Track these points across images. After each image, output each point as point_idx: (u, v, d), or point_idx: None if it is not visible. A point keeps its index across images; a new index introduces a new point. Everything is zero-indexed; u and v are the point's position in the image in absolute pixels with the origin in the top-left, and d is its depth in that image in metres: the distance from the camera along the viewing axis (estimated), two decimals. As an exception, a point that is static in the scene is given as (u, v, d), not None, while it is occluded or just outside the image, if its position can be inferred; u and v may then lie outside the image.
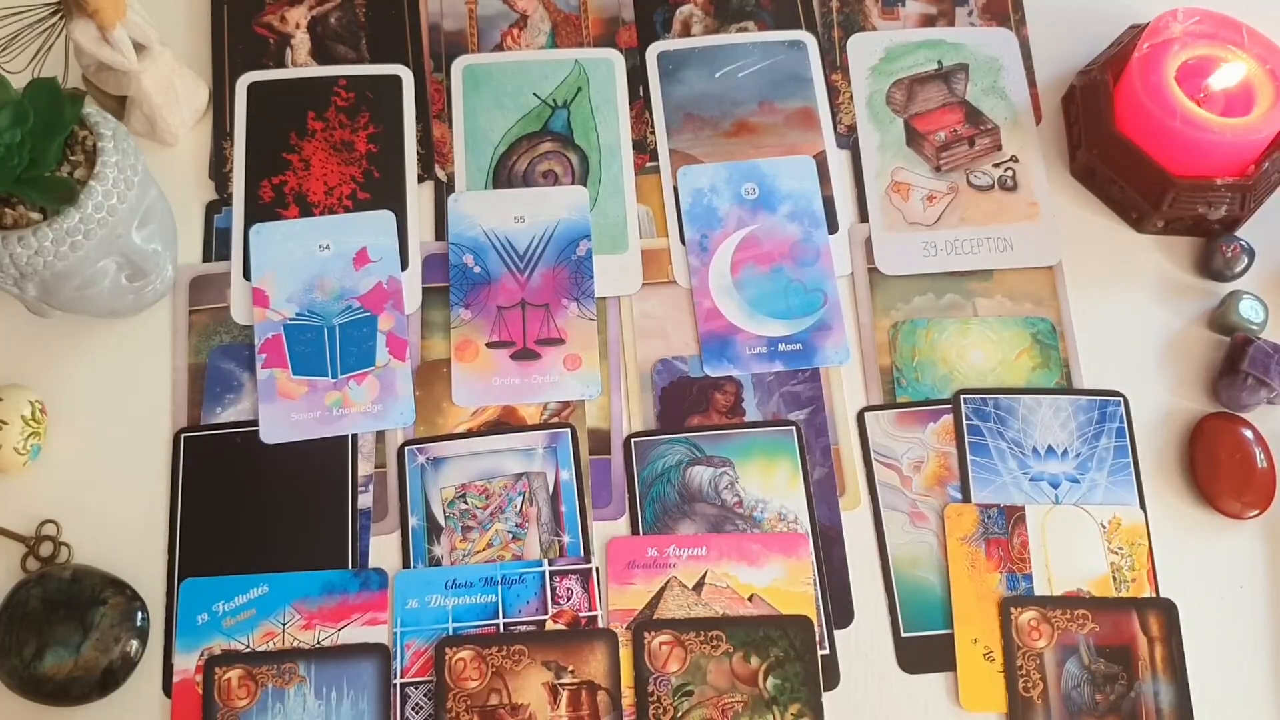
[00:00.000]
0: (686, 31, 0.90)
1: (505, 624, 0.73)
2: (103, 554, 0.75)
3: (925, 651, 0.74)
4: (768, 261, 0.83)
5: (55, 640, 0.70)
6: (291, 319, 0.80)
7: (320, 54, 0.89)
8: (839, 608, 0.75)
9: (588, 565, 0.75)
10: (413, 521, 0.76)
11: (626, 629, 0.73)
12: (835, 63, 0.89)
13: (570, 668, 0.72)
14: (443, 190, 0.85)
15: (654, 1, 0.91)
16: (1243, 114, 0.79)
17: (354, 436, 0.78)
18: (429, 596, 0.74)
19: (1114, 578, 0.75)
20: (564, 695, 0.71)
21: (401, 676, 0.72)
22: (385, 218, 0.83)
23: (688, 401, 0.79)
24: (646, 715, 0.71)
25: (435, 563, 0.75)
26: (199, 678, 0.72)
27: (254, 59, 0.88)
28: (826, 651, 0.73)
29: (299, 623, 0.73)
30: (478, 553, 0.75)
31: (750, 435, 0.78)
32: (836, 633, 0.74)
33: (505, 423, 0.79)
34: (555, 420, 0.79)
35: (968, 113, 0.87)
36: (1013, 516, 0.76)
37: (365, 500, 0.77)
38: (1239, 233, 0.83)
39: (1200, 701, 0.72)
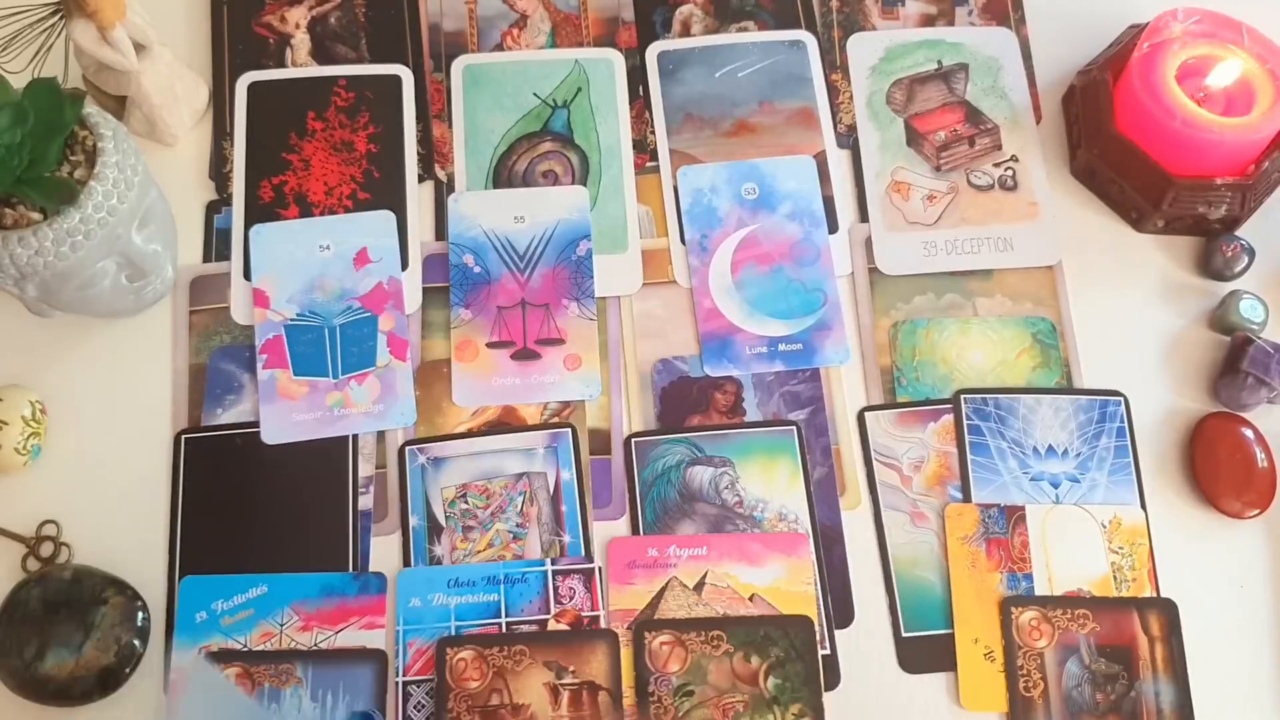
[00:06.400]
0: (686, 31, 0.90)
1: (508, 623, 0.73)
2: (103, 554, 0.75)
3: (926, 651, 0.74)
4: (768, 261, 0.83)
5: (56, 640, 0.70)
6: (292, 319, 0.80)
7: (320, 54, 0.89)
8: (839, 607, 0.75)
9: (590, 565, 0.75)
10: (413, 521, 0.76)
11: (627, 629, 0.73)
12: (835, 62, 0.89)
13: (571, 668, 0.72)
14: (443, 190, 0.85)
15: (654, 1, 0.91)
16: (1243, 114, 0.79)
17: (354, 437, 0.78)
18: (432, 595, 0.74)
19: (1114, 577, 0.75)
20: (565, 695, 0.71)
21: (404, 675, 0.72)
22: (385, 218, 0.83)
23: (688, 401, 0.79)
24: (647, 715, 0.71)
25: (436, 563, 0.75)
26: (198, 677, 0.72)
27: (254, 59, 0.88)
28: (827, 651, 0.73)
29: (297, 624, 0.73)
30: (478, 553, 0.75)
31: (750, 435, 0.78)
32: (837, 632, 0.74)
33: (506, 423, 0.79)
34: (556, 420, 0.79)
35: (968, 112, 0.88)
36: (1013, 516, 0.76)
37: (366, 501, 0.77)
38: (1239, 232, 0.83)
39: (1201, 701, 0.72)
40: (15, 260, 0.68)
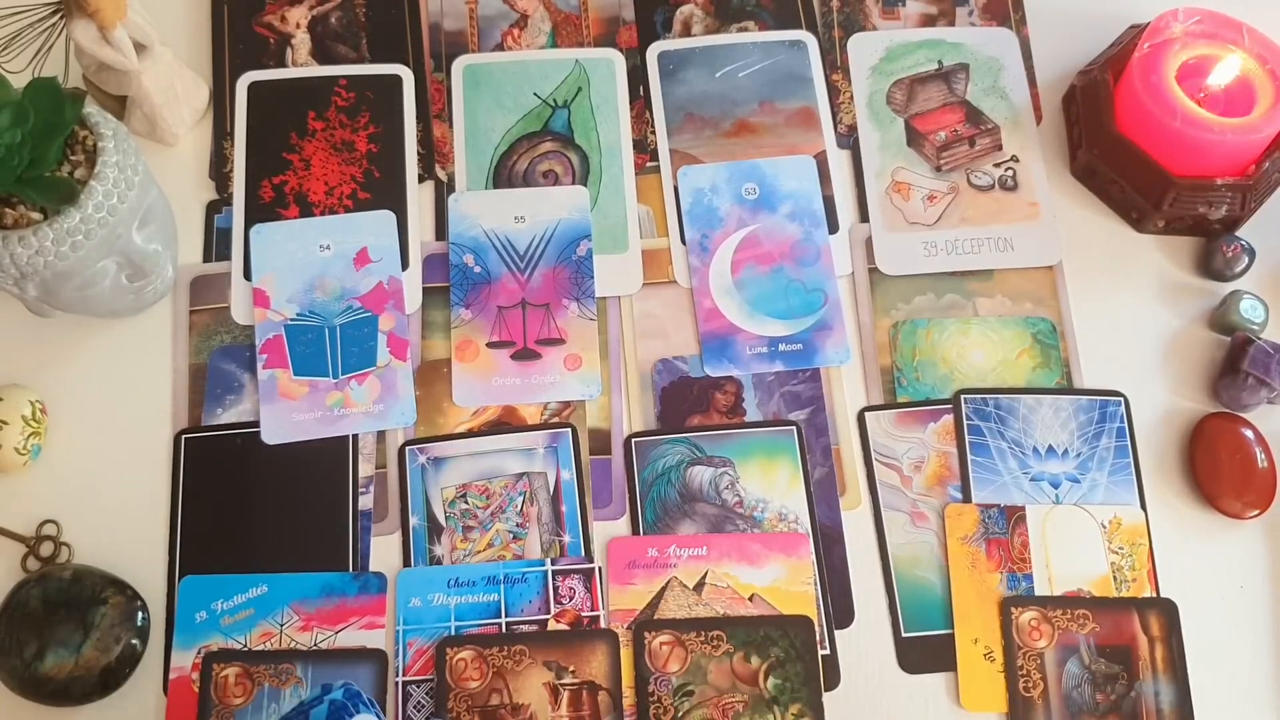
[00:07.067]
0: (687, 31, 0.90)
1: (508, 623, 0.73)
2: (103, 554, 0.75)
3: (926, 651, 0.74)
4: (768, 261, 0.83)
5: (56, 640, 0.70)
6: (292, 319, 0.80)
7: (321, 54, 0.89)
8: (839, 608, 0.75)
9: (590, 565, 0.75)
10: (413, 521, 0.76)
11: (627, 629, 0.73)
12: (836, 62, 0.89)
13: (571, 668, 0.72)
14: (443, 190, 0.85)
15: (654, 1, 0.91)
16: (1243, 114, 0.79)
17: (354, 437, 0.78)
18: (432, 595, 0.74)
19: (1114, 577, 0.75)
20: (565, 695, 0.71)
21: (404, 675, 0.72)
22: (386, 218, 0.83)
23: (688, 401, 0.79)
24: (647, 715, 0.71)
25: (436, 563, 0.75)
26: (195, 675, 0.72)
27: (254, 59, 0.88)
28: (827, 651, 0.73)
29: (297, 624, 0.73)
30: (478, 553, 0.75)
31: (751, 435, 0.78)
32: (837, 633, 0.74)
33: (506, 423, 0.79)
34: (556, 420, 0.79)
35: (968, 112, 0.87)
36: (1013, 516, 0.76)
37: (366, 501, 0.77)
38: (1239, 232, 0.83)
39: (1200, 701, 0.72)
40: (15, 260, 0.68)
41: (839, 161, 0.87)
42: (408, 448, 0.78)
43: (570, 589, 0.74)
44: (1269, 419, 0.79)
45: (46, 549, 0.75)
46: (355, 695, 0.65)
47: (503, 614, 0.73)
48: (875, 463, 0.78)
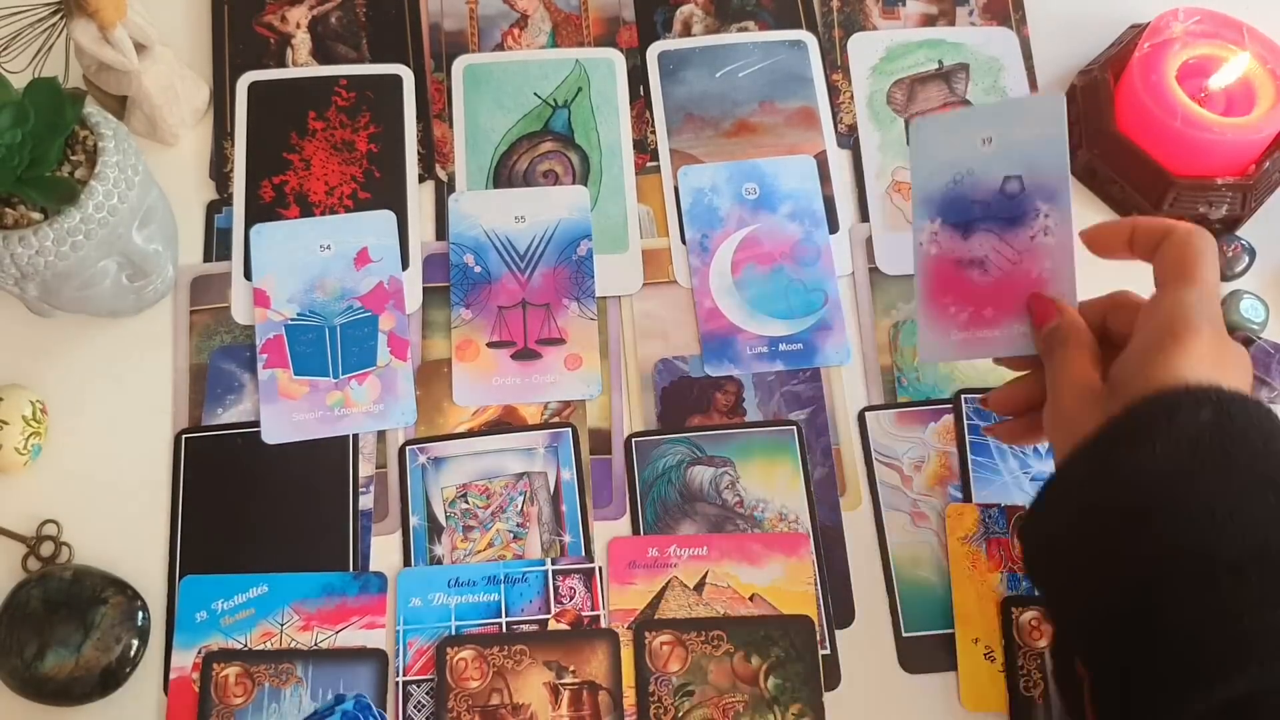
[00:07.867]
0: (687, 31, 0.90)
1: (508, 623, 0.73)
2: (104, 554, 0.75)
3: (926, 651, 0.74)
4: (768, 261, 0.83)
5: (56, 640, 0.70)
6: (292, 319, 0.80)
7: (321, 53, 0.89)
8: (840, 607, 0.75)
9: (591, 565, 0.75)
10: (414, 521, 0.76)
11: (627, 629, 0.73)
12: (836, 62, 0.89)
13: (571, 668, 0.72)
14: (443, 190, 0.85)
15: (654, 1, 0.91)
16: (1243, 114, 0.79)
17: (355, 437, 0.78)
18: (432, 595, 0.74)
19: (1115, 577, 0.75)
20: (565, 695, 0.71)
21: (404, 675, 0.72)
22: (386, 218, 0.83)
23: (688, 401, 0.79)
24: (647, 715, 0.71)
25: (436, 563, 0.75)
26: (195, 675, 0.72)
27: (254, 59, 0.88)
28: (827, 651, 0.73)
29: (297, 624, 0.73)
30: (479, 552, 0.75)
31: (751, 435, 0.78)
32: (837, 632, 0.74)
33: (506, 422, 0.79)
34: (556, 420, 0.79)
35: (968, 112, 0.87)
36: (1014, 516, 0.76)
37: (366, 501, 0.77)
38: (1239, 232, 0.83)
39: (1201, 701, 0.72)
40: (16, 260, 0.68)
41: (839, 161, 0.87)
42: (408, 447, 0.78)
43: (570, 589, 0.74)
44: (1269, 419, 0.79)
45: (47, 549, 0.75)
46: (366, 707, 0.66)
47: (503, 614, 0.73)
48: (875, 463, 0.78)
